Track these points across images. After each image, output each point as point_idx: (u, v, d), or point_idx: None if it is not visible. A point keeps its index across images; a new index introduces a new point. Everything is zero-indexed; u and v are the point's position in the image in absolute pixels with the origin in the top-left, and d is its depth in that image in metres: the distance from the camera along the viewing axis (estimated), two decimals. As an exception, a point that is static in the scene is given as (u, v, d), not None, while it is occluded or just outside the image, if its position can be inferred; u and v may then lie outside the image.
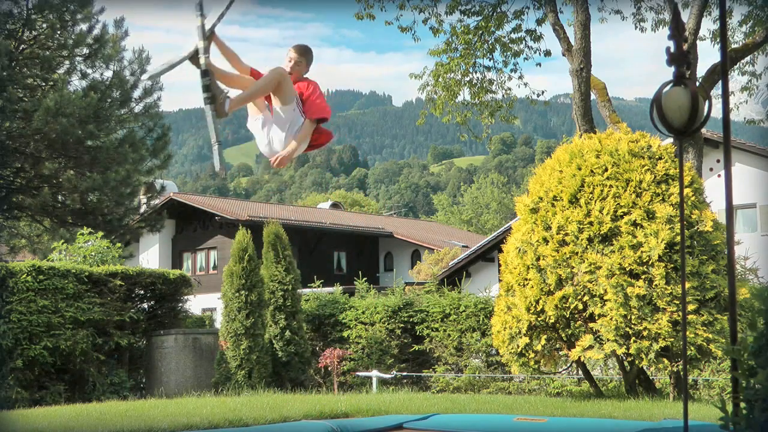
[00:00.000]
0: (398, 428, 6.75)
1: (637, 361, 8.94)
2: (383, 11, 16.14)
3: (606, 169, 9.33)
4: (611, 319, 8.75)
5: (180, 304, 14.05)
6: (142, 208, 21.82)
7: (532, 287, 9.28)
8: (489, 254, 24.65)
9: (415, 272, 29.68)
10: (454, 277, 21.62)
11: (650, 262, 8.75)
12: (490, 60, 17.40)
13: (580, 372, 11.23)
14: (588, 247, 9.07)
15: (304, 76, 5.59)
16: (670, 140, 12.16)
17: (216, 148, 5.23)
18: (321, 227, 33.56)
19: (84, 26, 19.42)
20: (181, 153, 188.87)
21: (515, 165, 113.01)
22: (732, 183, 3.61)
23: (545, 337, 9.45)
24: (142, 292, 13.65)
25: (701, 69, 15.28)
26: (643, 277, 8.75)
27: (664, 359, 8.80)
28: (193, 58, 5.15)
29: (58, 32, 19.07)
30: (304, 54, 5.53)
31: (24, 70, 19.14)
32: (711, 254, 8.95)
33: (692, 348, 8.53)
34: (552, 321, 9.24)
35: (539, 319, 9.27)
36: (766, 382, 2.62)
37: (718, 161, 19.39)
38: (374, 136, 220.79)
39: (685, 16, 14.34)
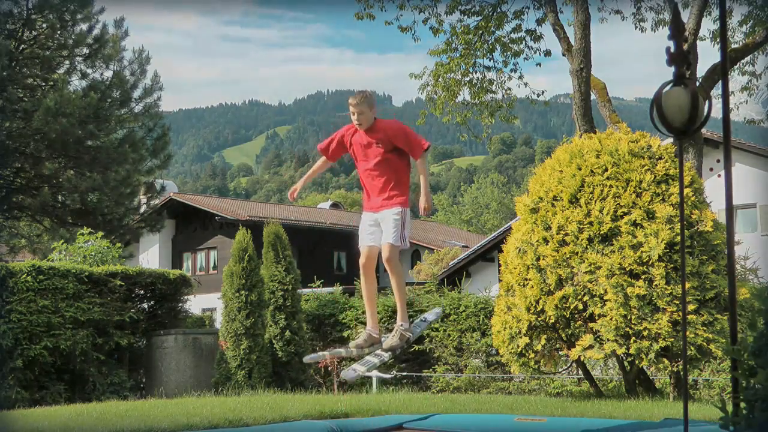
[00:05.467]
0: (398, 428, 6.74)
1: (637, 361, 8.94)
2: (383, 11, 16.16)
3: (606, 169, 9.33)
4: (611, 319, 8.74)
5: (180, 304, 14.04)
6: (142, 208, 21.83)
7: (532, 287, 9.27)
8: (489, 254, 24.67)
9: (415, 272, 29.70)
10: (454, 277, 21.63)
11: (650, 262, 8.75)
12: (490, 60, 17.41)
13: (580, 372, 11.23)
14: (588, 247, 9.07)
15: (375, 118, 5.66)
16: (670, 140, 12.16)
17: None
18: (321, 227, 33.57)
19: (84, 26, 19.46)
20: (181, 153, 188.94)
21: (515, 165, 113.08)
22: (732, 183, 3.61)
23: (545, 337, 9.45)
24: (142, 292, 13.64)
25: (701, 69, 15.29)
26: (643, 277, 8.75)
27: (664, 359, 8.80)
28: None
29: (58, 32, 19.09)
30: (363, 101, 5.56)
31: (24, 70, 19.15)
32: (711, 254, 8.95)
33: (692, 348, 8.53)
34: (552, 321, 9.23)
35: (539, 319, 9.27)
36: (766, 382, 2.62)
37: (718, 161, 19.40)
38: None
39: (685, 16, 14.34)
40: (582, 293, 9.00)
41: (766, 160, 20.41)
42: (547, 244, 9.31)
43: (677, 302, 8.56)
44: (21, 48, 19.00)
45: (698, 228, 8.95)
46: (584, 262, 9.00)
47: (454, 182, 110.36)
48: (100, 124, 19.04)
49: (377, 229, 5.70)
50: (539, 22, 16.68)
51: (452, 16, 16.61)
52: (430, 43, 17.22)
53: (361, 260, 5.80)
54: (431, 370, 13.77)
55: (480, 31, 16.76)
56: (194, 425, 6.66)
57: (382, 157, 5.61)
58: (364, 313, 14.68)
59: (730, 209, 3.59)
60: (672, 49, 3.89)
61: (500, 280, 10.18)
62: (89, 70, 19.82)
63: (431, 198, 5.69)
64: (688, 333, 8.42)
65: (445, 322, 13.87)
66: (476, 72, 17.31)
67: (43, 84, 19.61)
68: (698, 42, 14.69)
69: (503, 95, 17.64)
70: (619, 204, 9.08)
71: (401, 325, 5.87)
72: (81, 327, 12.09)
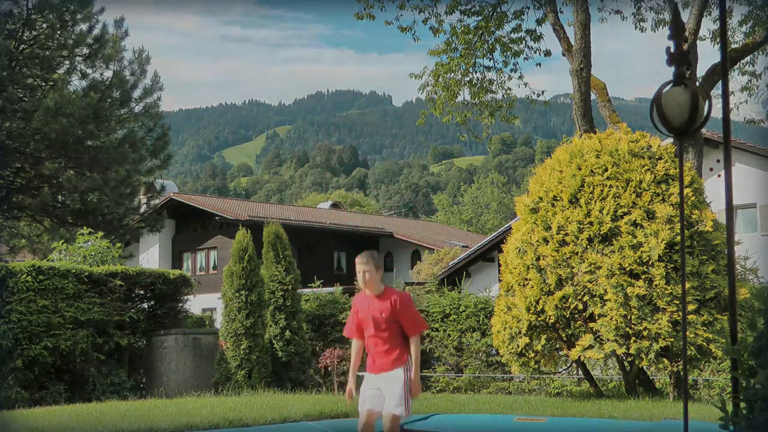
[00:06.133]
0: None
1: (637, 361, 8.94)
2: (383, 11, 16.14)
3: (606, 169, 9.33)
4: (611, 319, 8.74)
5: (180, 304, 14.04)
6: (142, 208, 21.82)
7: (532, 287, 9.27)
8: (489, 254, 24.64)
9: (415, 272, 29.65)
10: (454, 277, 21.61)
11: (650, 262, 8.75)
12: (490, 60, 17.40)
13: (580, 372, 11.23)
14: (588, 247, 9.07)
15: (385, 287, 5.76)
16: (670, 140, 12.16)
17: None
18: (321, 227, 33.56)
19: (84, 26, 19.43)
20: (181, 153, 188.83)
21: (515, 165, 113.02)
22: (732, 183, 3.61)
23: (545, 337, 9.45)
24: (142, 292, 13.63)
25: (701, 69, 15.29)
26: (643, 277, 8.75)
27: (664, 359, 8.80)
28: None
29: (58, 32, 19.07)
30: (370, 261, 5.60)
31: (24, 70, 19.13)
32: (711, 254, 8.95)
33: (692, 348, 8.53)
34: (552, 321, 9.24)
35: (539, 319, 9.27)
36: (766, 382, 2.62)
37: (718, 161, 19.39)
38: (374, 136, 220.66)
39: (685, 16, 14.33)
40: (582, 293, 9.00)
41: (766, 160, 20.39)
42: (547, 244, 9.31)
43: (677, 302, 8.56)
44: (21, 48, 18.99)
45: (698, 228, 8.95)
46: (584, 262, 9.00)
47: (454, 182, 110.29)
48: (100, 124, 19.03)
49: (380, 393, 5.79)
50: (539, 22, 16.67)
51: (452, 16, 16.61)
52: (430, 43, 17.22)
53: (360, 426, 5.78)
54: (431, 370, 13.77)
55: (480, 31, 16.75)
56: (194, 425, 6.67)
57: (386, 324, 5.83)
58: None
59: (730, 209, 3.59)
60: (672, 49, 3.89)
61: (500, 280, 10.19)
62: (89, 70, 19.81)
63: (420, 383, 5.83)
64: (688, 333, 8.41)
65: (445, 322, 13.87)
66: (476, 72, 17.30)
67: (43, 84, 19.60)
68: (698, 42, 14.68)
69: (503, 95, 17.64)
70: (619, 204, 9.08)
71: None
72: (81, 327, 12.09)
